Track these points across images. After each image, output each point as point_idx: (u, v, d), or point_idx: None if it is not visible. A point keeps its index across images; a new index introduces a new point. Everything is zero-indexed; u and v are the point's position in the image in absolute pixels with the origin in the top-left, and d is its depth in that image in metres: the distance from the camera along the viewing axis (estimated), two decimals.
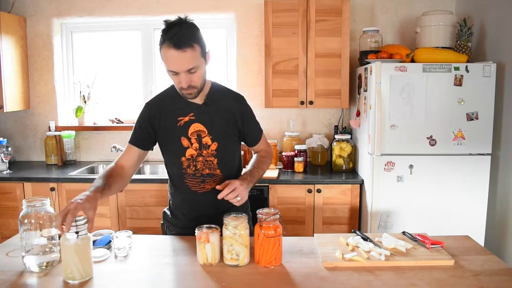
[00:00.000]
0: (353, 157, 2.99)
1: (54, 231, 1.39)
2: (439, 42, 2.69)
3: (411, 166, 2.52)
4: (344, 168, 2.96)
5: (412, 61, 2.58)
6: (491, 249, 2.51)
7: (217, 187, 1.55)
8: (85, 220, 1.30)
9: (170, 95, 1.68)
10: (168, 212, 1.80)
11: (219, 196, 1.50)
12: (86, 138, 3.45)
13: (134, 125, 1.73)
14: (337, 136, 3.02)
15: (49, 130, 3.36)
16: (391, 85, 2.46)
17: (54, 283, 1.30)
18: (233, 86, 3.29)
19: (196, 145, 1.63)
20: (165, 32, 1.45)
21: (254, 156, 1.79)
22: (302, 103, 2.93)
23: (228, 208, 1.60)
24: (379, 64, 2.46)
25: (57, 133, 3.29)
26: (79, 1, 3.29)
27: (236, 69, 3.29)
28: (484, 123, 2.48)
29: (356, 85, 2.96)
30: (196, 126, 1.63)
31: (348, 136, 3.00)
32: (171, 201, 1.79)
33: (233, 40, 3.31)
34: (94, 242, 1.55)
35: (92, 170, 3.24)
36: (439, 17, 2.70)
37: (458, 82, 2.45)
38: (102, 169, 3.27)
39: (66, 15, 3.32)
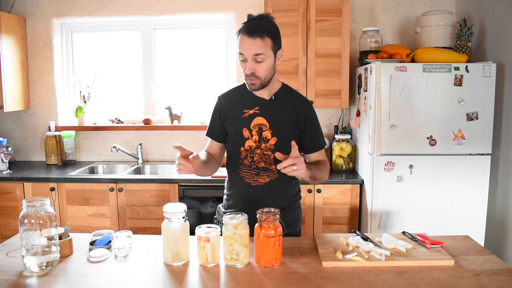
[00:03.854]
0: (353, 157, 2.99)
1: (54, 231, 1.39)
2: (439, 42, 2.69)
3: (411, 166, 2.52)
4: (344, 168, 2.96)
5: (412, 61, 2.59)
6: (491, 249, 2.51)
7: (277, 154, 1.51)
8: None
9: (240, 90, 1.76)
10: (222, 207, 1.86)
11: (277, 155, 1.49)
12: (86, 138, 3.45)
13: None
14: (337, 136, 3.02)
15: (49, 130, 3.36)
16: (391, 85, 2.46)
17: (54, 283, 1.30)
18: (233, 86, 3.28)
19: (256, 137, 1.69)
20: (244, 23, 1.59)
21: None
22: None
23: (279, 205, 1.54)
24: (379, 64, 2.46)
25: (57, 133, 3.29)
26: (79, 1, 3.29)
27: (236, 69, 3.29)
28: (484, 123, 2.48)
29: (356, 85, 2.96)
30: (259, 120, 1.69)
31: (348, 136, 3.00)
32: (225, 195, 1.84)
33: (233, 40, 3.30)
34: (94, 242, 1.56)
35: (92, 170, 3.24)
36: (439, 17, 2.70)
37: (458, 82, 2.45)
38: (102, 169, 3.28)
39: (66, 15, 3.32)
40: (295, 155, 1.47)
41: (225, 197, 1.86)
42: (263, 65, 1.59)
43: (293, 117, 1.71)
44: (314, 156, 1.80)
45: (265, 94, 1.71)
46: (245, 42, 1.56)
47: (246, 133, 1.70)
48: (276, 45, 1.61)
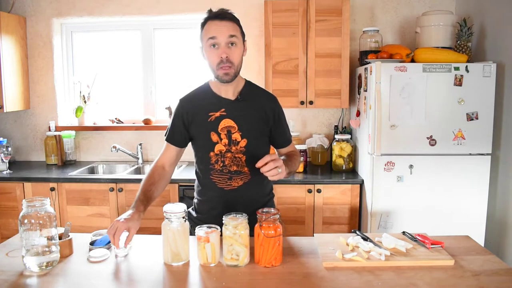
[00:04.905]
0: (353, 157, 2.99)
1: (54, 231, 1.39)
2: (439, 42, 2.69)
3: (411, 166, 2.52)
4: (344, 168, 2.96)
5: (412, 61, 2.58)
6: (491, 249, 2.51)
7: (258, 164, 1.49)
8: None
9: (203, 91, 1.69)
10: (193, 212, 1.79)
11: (258, 164, 1.47)
12: (86, 138, 3.45)
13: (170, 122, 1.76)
14: (337, 136, 3.02)
15: (49, 130, 3.36)
16: (391, 85, 2.46)
17: (54, 283, 1.30)
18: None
19: (225, 140, 1.63)
20: (209, 12, 1.56)
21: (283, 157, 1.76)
22: (302, 103, 2.93)
23: (254, 206, 1.56)
24: (379, 64, 2.46)
25: (57, 133, 3.29)
26: (79, 1, 3.29)
27: None
28: (484, 123, 2.48)
29: (356, 85, 2.96)
30: (227, 122, 1.63)
31: (348, 136, 3.00)
32: (196, 200, 1.78)
33: None
34: (94, 242, 1.56)
35: (92, 170, 3.24)
36: (439, 17, 2.70)
37: (458, 82, 2.45)
38: (102, 169, 3.28)
39: (66, 15, 3.32)
40: (275, 158, 1.48)
41: (195, 201, 1.78)
42: (236, 50, 1.56)
43: (261, 116, 1.67)
44: (285, 150, 1.80)
45: (229, 93, 1.65)
46: (218, 25, 1.53)
47: (214, 137, 1.63)
48: (243, 35, 1.61)
